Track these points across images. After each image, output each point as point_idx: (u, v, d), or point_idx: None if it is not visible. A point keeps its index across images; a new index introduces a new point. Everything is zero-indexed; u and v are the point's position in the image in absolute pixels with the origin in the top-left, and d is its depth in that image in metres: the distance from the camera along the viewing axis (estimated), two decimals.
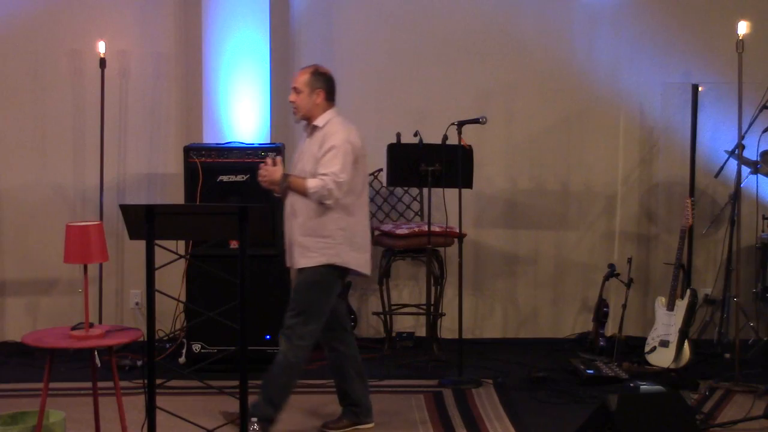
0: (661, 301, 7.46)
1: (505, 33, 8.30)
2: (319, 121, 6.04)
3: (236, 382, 4.98)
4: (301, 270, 6.00)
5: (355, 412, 6.21)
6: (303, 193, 5.90)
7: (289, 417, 6.37)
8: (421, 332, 8.16)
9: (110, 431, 5.84)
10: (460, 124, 7.14)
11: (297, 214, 5.96)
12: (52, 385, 5.54)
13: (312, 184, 5.87)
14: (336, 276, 6.01)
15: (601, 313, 7.83)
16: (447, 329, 8.00)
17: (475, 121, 7.17)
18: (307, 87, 6.04)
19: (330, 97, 6.11)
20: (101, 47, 7.88)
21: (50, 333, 5.59)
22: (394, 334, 8.16)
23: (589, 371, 7.15)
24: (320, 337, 6.13)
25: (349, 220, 5.97)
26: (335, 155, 5.89)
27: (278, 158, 6.05)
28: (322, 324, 6.02)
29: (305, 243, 5.94)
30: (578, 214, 8.45)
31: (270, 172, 6.00)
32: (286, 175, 5.96)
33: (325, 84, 6.09)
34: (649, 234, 8.42)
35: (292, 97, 6.07)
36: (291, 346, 5.95)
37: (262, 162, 7.38)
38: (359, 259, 6.04)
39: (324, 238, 5.92)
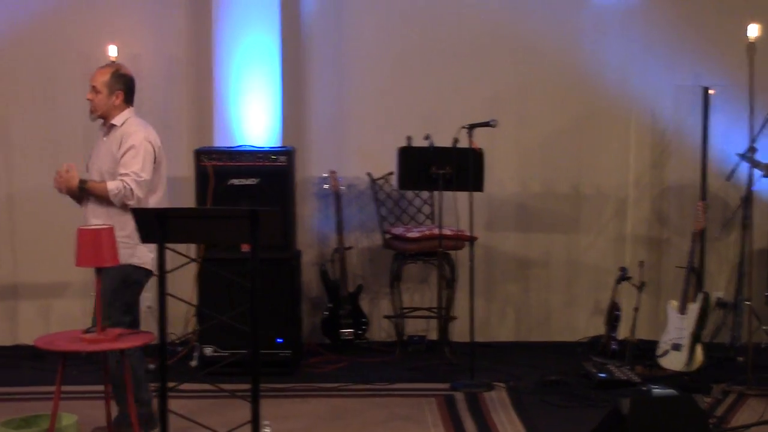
0: (673, 305, 7.44)
1: (515, 36, 8.29)
2: (116, 120, 6.00)
3: (248, 386, 4.99)
4: (103, 272, 5.90)
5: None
6: (104, 196, 5.86)
7: (309, 422, 6.38)
8: (433, 336, 8.16)
9: None
10: (471, 127, 7.14)
11: (97, 216, 5.91)
12: (64, 388, 5.54)
13: (112, 186, 5.84)
14: (139, 275, 5.99)
15: (612, 317, 7.81)
16: (458, 332, 7.99)
17: (486, 124, 7.17)
18: (106, 87, 5.99)
19: (128, 99, 6.06)
20: (112, 51, 7.88)
21: (63, 336, 5.60)
22: (405, 338, 8.15)
23: (601, 375, 7.14)
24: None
25: None
26: (135, 155, 5.87)
27: (71, 164, 5.97)
28: (134, 319, 6.04)
29: None
30: (590, 218, 8.44)
31: (66, 179, 5.93)
32: (83, 181, 5.90)
33: (125, 86, 6.04)
34: (661, 237, 8.41)
35: (90, 95, 6.00)
36: (115, 355, 5.83)
37: (273, 165, 7.41)
38: (155, 259, 5.84)
39: (123, 237, 5.84)
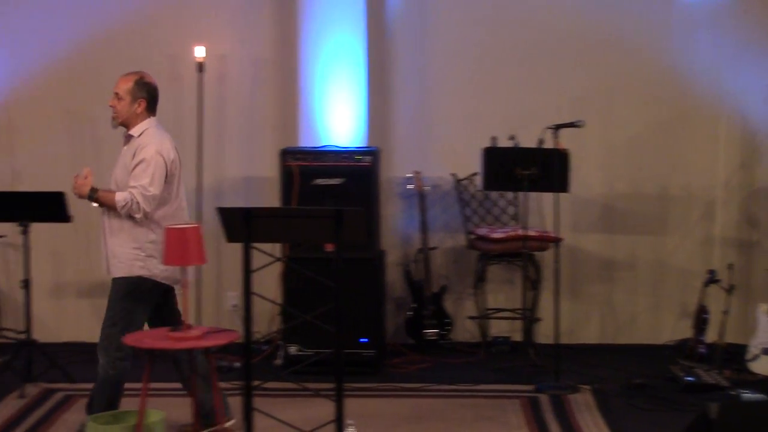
0: (763, 309, 7.32)
1: (603, 35, 8.21)
2: (134, 131, 5.95)
3: (332, 385, 5.00)
4: (114, 280, 5.92)
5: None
6: (112, 206, 5.83)
7: (392, 422, 6.39)
8: (517, 337, 8.11)
9: None
10: (557, 128, 7.08)
11: (111, 225, 5.89)
12: (151, 385, 5.60)
13: (120, 197, 5.80)
14: (149, 287, 5.91)
15: (700, 320, 7.69)
16: (543, 334, 7.94)
17: (572, 124, 7.11)
18: (129, 95, 5.95)
19: (151, 108, 6.01)
20: (199, 52, 7.96)
21: (150, 334, 5.66)
22: (489, 339, 8.12)
23: (688, 378, 7.04)
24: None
25: (159, 233, 5.86)
26: (145, 168, 5.81)
27: (88, 169, 5.95)
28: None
29: (117, 253, 5.87)
30: (677, 219, 8.33)
31: (79, 185, 5.90)
32: (94, 190, 5.86)
33: (148, 94, 5.99)
34: (751, 240, 8.27)
35: (112, 102, 5.98)
36: (109, 358, 5.88)
37: (358, 165, 7.42)
38: (166, 271, 5.91)
39: (134, 249, 5.84)
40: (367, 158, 7.50)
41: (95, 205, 5.91)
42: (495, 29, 8.25)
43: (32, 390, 7.00)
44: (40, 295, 8.00)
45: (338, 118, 7.77)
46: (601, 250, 8.35)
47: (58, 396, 6.94)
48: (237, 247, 5.20)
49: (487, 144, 7.72)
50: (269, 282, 7.48)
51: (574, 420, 6.43)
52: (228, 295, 8.33)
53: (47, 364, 7.27)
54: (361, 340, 7.38)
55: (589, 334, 8.35)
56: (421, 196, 8.00)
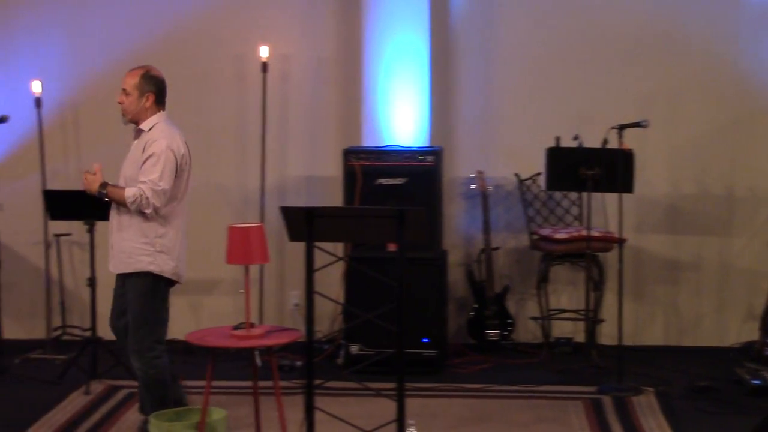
0: None
1: (668, 35, 8.13)
2: (145, 125, 5.93)
3: (393, 384, 5.00)
4: (129, 282, 5.91)
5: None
6: (122, 202, 5.81)
7: (454, 422, 6.38)
8: (580, 338, 8.06)
9: (270, 429, 5.93)
10: (621, 128, 7.03)
11: (121, 220, 5.89)
12: (214, 383, 5.65)
13: (130, 193, 5.78)
14: (162, 284, 5.92)
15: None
16: (606, 335, 7.88)
17: (637, 124, 7.05)
18: (136, 90, 5.92)
19: (159, 101, 5.98)
20: (264, 52, 8.00)
21: (213, 332, 5.71)
22: (551, 340, 8.08)
23: (755, 381, 6.95)
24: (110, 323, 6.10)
25: (167, 228, 5.88)
26: (155, 163, 5.78)
27: (97, 166, 5.93)
28: (165, 329, 5.99)
29: (125, 248, 5.87)
30: (743, 220, 8.22)
31: (89, 181, 5.89)
32: (104, 185, 5.84)
33: (156, 87, 5.96)
34: None
35: (121, 98, 5.95)
36: (144, 361, 5.89)
37: (421, 165, 7.42)
38: (175, 267, 5.94)
39: (143, 244, 5.84)
40: (430, 158, 7.50)
41: (106, 200, 5.93)
42: (560, 28, 8.21)
43: (97, 387, 7.08)
44: (105, 293, 8.05)
45: (401, 118, 7.77)
46: (665, 251, 8.26)
47: (122, 393, 7.01)
48: (299, 247, 5.22)
49: (551, 144, 7.67)
50: (331, 281, 7.50)
51: (638, 422, 6.38)
52: (290, 294, 8.36)
53: (112, 362, 7.34)
54: (423, 340, 7.38)
55: (653, 336, 8.27)
56: (483, 196, 7.98)
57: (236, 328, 5.66)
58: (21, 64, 8.30)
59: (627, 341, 7.33)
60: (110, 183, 5.86)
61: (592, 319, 7.74)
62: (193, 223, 8.31)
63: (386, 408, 5.25)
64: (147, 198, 5.74)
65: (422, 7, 7.78)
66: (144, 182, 5.76)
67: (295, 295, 8.30)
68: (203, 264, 8.32)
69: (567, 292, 8.30)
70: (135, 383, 7.14)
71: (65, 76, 8.31)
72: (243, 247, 5.49)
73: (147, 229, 5.83)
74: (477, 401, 6.85)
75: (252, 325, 5.63)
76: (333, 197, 8.03)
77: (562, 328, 8.21)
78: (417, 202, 7.23)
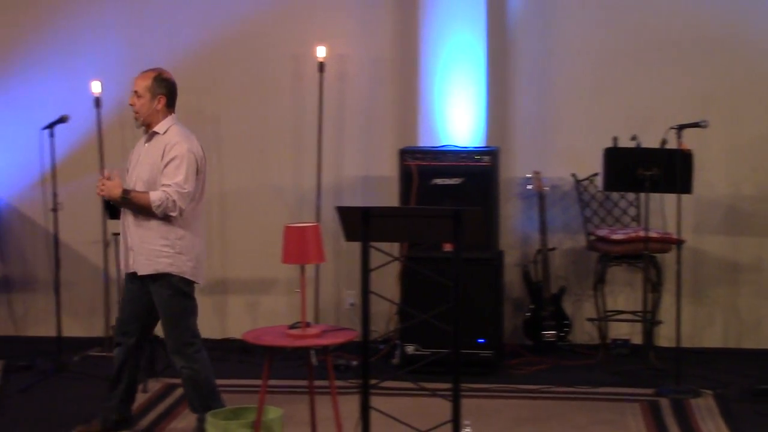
0: None
1: (728, 35, 8.04)
2: (159, 128, 5.92)
3: (449, 385, 4.99)
4: (152, 285, 5.92)
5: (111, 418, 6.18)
6: (147, 207, 5.79)
7: (510, 423, 6.36)
8: (637, 339, 7.99)
9: (325, 429, 5.93)
10: (680, 128, 6.97)
11: (138, 222, 5.89)
12: (270, 382, 5.66)
13: (155, 197, 5.77)
14: (182, 285, 5.94)
15: None
16: (664, 337, 7.81)
17: (696, 125, 6.99)
18: (148, 92, 5.91)
19: (171, 104, 5.97)
20: (321, 52, 8.02)
21: (269, 331, 5.72)
22: (608, 341, 8.02)
23: None
24: (117, 331, 6.12)
25: (186, 230, 5.89)
26: (179, 165, 5.79)
27: (115, 171, 5.93)
28: (196, 322, 6.04)
29: (143, 250, 5.88)
30: None
31: (108, 187, 5.85)
32: (126, 191, 5.83)
33: (167, 90, 5.95)
34: None
35: (132, 101, 5.93)
36: (186, 358, 5.94)
37: (477, 165, 7.40)
38: (194, 268, 5.96)
39: (163, 246, 5.85)
40: (487, 158, 7.48)
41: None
42: (619, 27, 8.15)
43: (154, 385, 7.14)
44: None
45: (458, 118, 7.76)
46: (724, 252, 8.17)
47: (180, 391, 7.04)
48: (355, 246, 5.22)
49: (609, 144, 7.62)
50: (387, 281, 7.50)
51: (696, 425, 6.32)
52: (346, 294, 8.37)
53: (169, 360, 7.38)
54: (479, 340, 7.36)
55: (712, 338, 8.19)
56: (540, 196, 7.94)
57: (292, 327, 5.67)
58: (81, 65, 8.39)
59: (685, 343, 7.27)
60: (130, 188, 5.89)
61: (649, 320, 7.68)
62: (250, 223, 8.42)
63: (442, 408, 5.23)
64: (174, 201, 5.78)
65: (479, 6, 7.76)
66: (169, 185, 5.79)
67: (351, 295, 8.31)
68: (259, 264, 8.38)
69: (624, 293, 8.24)
70: None
71: (124, 76, 8.31)
72: (299, 246, 5.50)
73: (167, 231, 5.87)
74: (533, 402, 6.83)
75: (308, 325, 5.65)
76: (389, 197, 8.03)
77: (619, 330, 8.15)
78: (473, 202, 7.22)
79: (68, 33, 8.45)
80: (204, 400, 5.98)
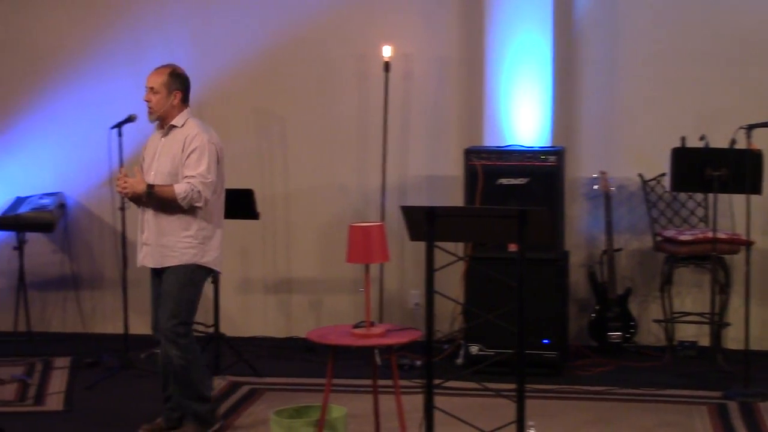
0: None
1: None
2: (176, 121, 5.95)
3: (513, 385, 4.97)
4: (168, 271, 5.94)
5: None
6: (172, 200, 5.81)
7: (574, 424, 6.32)
8: (705, 341, 7.90)
9: (389, 429, 5.94)
10: (750, 128, 6.88)
11: (159, 216, 5.91)
12: (334, 381, 5.68)
13: (180, 189, 5.79)
14: (201, 274, 5.99)
15: None
16: (732, 339, 7.71)
17: (766, 124, 6.89)
18: (164, 88, 5.94)
19: (185, 99, 6.01)
20: (386, 51, 8.02)
21: (333, 330, 5.74)
22: (675, 343, 7.94)
23: None
24: (154, 329, 6.12)
25: (207, 220, 5.93)
26: (200, 156, 5.83)
27: (135, 168, 5.94)
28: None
29: (168, 243, 5.90)
30: None
31: (132, 184, 5.86)
32: (150, 186, 5.84)
33: (182, 85, 5.99)
34: None
35: (148, 97, 5.94)
36: (180, 348, 5.92)
37: (543, 165, 7.36)
38: (216, 257, 6.02)
39: (186, 238, 5.88)
40: (553, 158, 7.44)
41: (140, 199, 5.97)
42: (687, 25, 8.05)
43: (220, 383, 7.17)
44: (228, 290, 8.19)
45: (523, 118, 7.73)
46: None
47: (245, 389, 7.09)
48: (420, 246, 5.21)
49: (676, 144, 7.55)
50: (452, 281, 7.48)
51: (765, 429, 6.24)
52: (410, 294, 8.37)
53: (234, 358, 7.44)
54: (544, 341, 7.32)
55: None
56: (606, 196, 7.88)
57: (356, 326, 5.68)
58: (148, 64, 8.41)
59: (754, 346, 7.18)
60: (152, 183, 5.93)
61: (717, 322, 7.59)
62: (314, 222, 8.44)
63: (506, 409, 5.21)
64: (199, 191, 5.83)
65: (546, 5, 7.72)
66: (192, 176, 5.85)
67: (415, 295, 8.30)
68: (324, 263, 8.40)
69: (691, 294, 8.15)
70: (257, 379, 7.25)
71: (191, 74, 8.37)
72: (363, 246, 5.51)
73: (189, 223, 5.92)
74: (598, 404, 6.78)
75: (372, 324, 5.65)
76: (454, 197, 8.02)
77: (686, 332, 8.06)
78: (538, 202, 7.18)
79: (135, 32, 8.53)
80: (196, 390, 6.02)
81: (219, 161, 5.98)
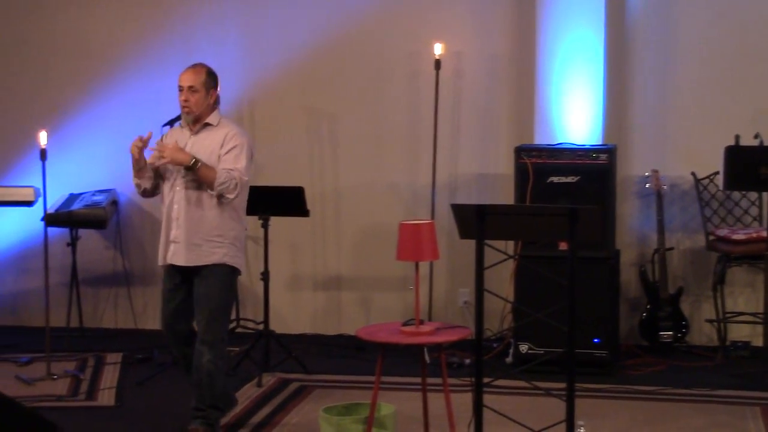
0: None
1: None
2: (211, 119, 5.96)
3: (563, 384, 4.94)
4: (205, 272, 5.90)
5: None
6: (209, 181, 5.80)
7: (625, 424, 6.29)
8: (758, 342, 7.82)
9: (438, 426, 5.93)
10: None
11: (191, 214, 5.88)
12: (383, 378, 5.68)
13: (221, 174, 5.80)
14: (236, 275, 6.01)
15: None
16: None
17: None
18: (203, 87, 5.93)
19: (218, 98, 6.06)
20: (437, 49, 8.01)
21: (382, 328, 5.74)
22: (728, 343, 7.87)
23: None
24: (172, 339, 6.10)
25: (236, 221, 5.96)
26: (240, 154, 5.87)
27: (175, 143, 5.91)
28: None
29: (198, 242, 5.88)
30: None
31: (171, 151, 5.82)
32: (196, 160, 5.81)
33: (216, 84, 6.02)
34: None
35: (187, 96, 5.92)
36: (216, 351, 5.89)
37: (594, 163, 7.31)
38: (241, 258, 6.03)
39: (221, 237, 5.88)
40: (604, 156, 7.40)
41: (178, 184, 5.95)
42: (740, 22, 7.98)
43: (269, 379, 7.20)
44: (278, 287, 8.22)
45: (574, 115, 7.69)
46: None
47: (294, 386, 7.11)
48: (470, 244, 5.20)
49: (730, 142, 7.48)
50: (501, 279, 7.46)
51: None
52: (460, 292, 8.35)
53: (283, 355, 7.46)
54: (594, 340, 7.28)
55: None
56: (658, 195, 7.83)
57: (406, 324, 5.68)
58: (198, 62, 8.50)
59: None
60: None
61: None
62: (364, 219, 8.45)
63: (555, 408, 5.19)
64: (236, 184, 5.84)
65: (598, 2, 7.67)
66: (234, 169, 5.86)
67: (465, 293, 8.29)
68: (374, 260, 8.40)
69: (744, 294, 8.08)
70: (306, 376, 7.26)
71: (241, 73, 8.48)
72: (413, 243, 5.51)
73: (221, 223, 5.91)
74: (649, 404, 6.73)
75: (421, 322, 5.65)
76: (504, 195, 8.00)
77: (739, 332, 7.99)
78: (589, 200, 7.14)
79: (186, 30, 8.57)
80: (215, 399, 5.98)
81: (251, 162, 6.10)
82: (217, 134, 5.97)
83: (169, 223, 5.98)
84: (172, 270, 6.01)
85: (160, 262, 6.07)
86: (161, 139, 6.07)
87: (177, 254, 5.94)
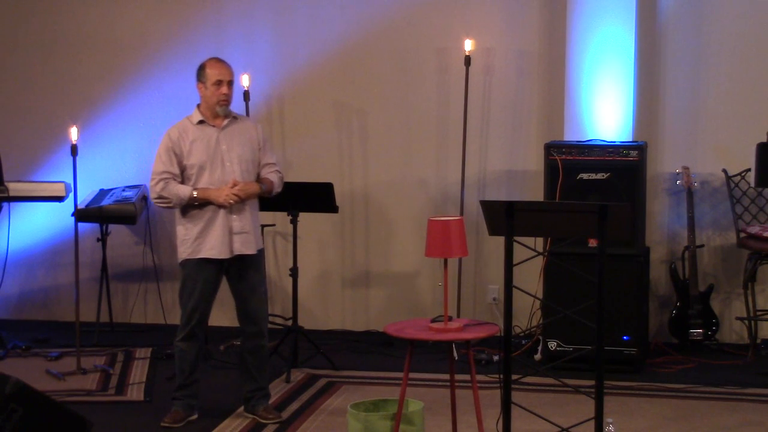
0: None
1: None
2: (235, 113, 6.22)
3: (592, 382, 4.93)
4: (252, 259, 6.17)
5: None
6: (270, 191, 6.24)
7: (654, 422, 6.27)
8: None
9: (466, 423, 5.93)
10: None
11: (253, 206, 6.21)
12: (411, 374, 5.68)
13: (275, 178, 6.26)
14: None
15: None
16: None
17: None
18: (233, 83, 6.19)
19: None
20: (467, 45, 8.00)
21: (411, 324, 5.73)
22: (758, 341, 7.83)
23: None
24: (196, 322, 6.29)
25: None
26: (271, 147, 6.38)
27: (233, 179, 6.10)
28: None
29: (251, 229, 6.15)
30: None
31: (245, 190, 6.07)
32: (260, 184, 6.18)
33: None
34: None
35: (228, 90, 6.10)
36: (265, 334, 6.30)
37: (624, 160, 7.29)
38: None
39: (259, 225, 6.41)
40: (634, 153, 7.37)
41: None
42: None
43: (297, 375, 7.22)
44: (306, 283, 8.24)
45: (605, 112, 7.66)
46: None
47: (322, 382, 7.12)
48: (498, 241, 5.19)
49: (761, 139, 7.43)
50: (530, 276, 7.44)
51: None
52: (488, 289, 8.34)
53: (312, 351, 7.47)
54: (624, 337, 7.26)
55: None
56: (689, 192, 7.79)
57: (434, 320, 5.67)
58: (231, 58, 8.49)
59: None
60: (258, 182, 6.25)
61: None
62: (393, 215, 8.45)
63: (584, 405, 5.19)
64: (281, 178, 6.33)
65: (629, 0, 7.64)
66: (274, 164, 6.27)
67: (494, 290, 8.28)
68: (402, 257, 8.40)
69: None
70: (334, 372, 7.27)
71: (272, 69, 8.50)
72: (442, 240, 5.50)
73: (257, 212, 6.30)
74: (678, 402, 6.71)
75: (450, 319, 5.64)
76: (533, 191, 7.98)
77: None
78: (620, 197, 7.12)
79: (217, 27, 8.59)
80: (266, 376, 6.41)
81: None
82: (244, 126, 6.23)
83: (226, 216, 6.09)
84: (211, 263, 6.15)
85: (220, 255, 6.13)
86: (167, 141, 6.21)
87: (247, 243, 6.16)
